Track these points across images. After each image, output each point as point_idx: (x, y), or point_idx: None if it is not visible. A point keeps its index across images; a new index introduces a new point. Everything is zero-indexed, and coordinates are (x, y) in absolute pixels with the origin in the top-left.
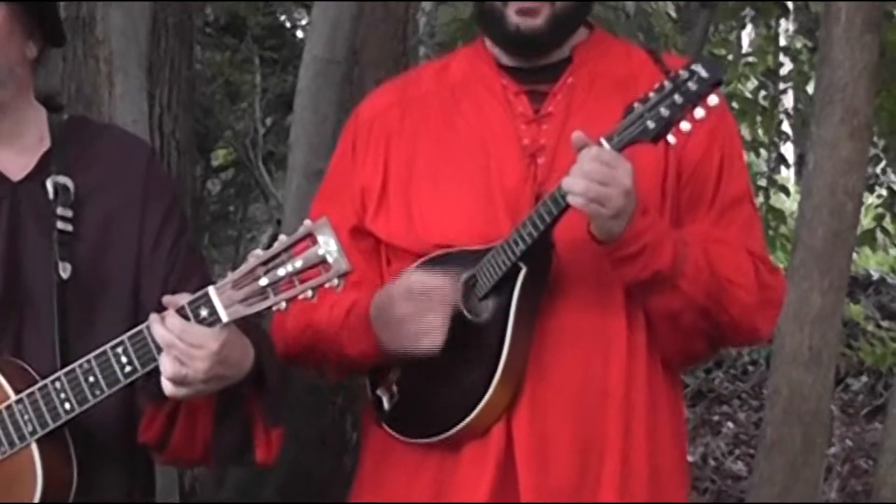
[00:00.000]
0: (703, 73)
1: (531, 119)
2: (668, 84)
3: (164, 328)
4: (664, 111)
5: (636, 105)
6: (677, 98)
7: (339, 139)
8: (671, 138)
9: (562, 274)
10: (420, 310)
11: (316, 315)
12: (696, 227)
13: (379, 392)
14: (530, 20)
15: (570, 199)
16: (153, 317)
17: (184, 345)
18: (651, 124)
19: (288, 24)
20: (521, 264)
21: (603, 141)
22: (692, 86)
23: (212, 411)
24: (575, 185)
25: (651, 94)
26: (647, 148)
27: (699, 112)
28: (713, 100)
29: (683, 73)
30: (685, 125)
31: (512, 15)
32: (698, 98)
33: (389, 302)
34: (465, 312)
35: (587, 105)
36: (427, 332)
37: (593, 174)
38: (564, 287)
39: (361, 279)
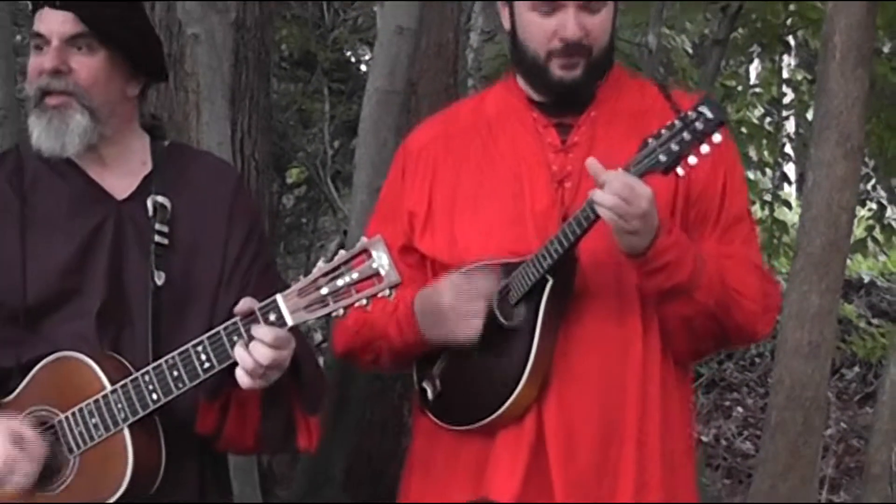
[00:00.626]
0: (709, 114)
1: (559, 149)
2: (678, 123)
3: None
4: (674, 147)
5: (650, 140)
6: (686, 135)
7: (391, 167)
8: (680, 171)
9: (585, 286)
10: (461, 302)
11: (368, 315)
12: (707, 243)
13: (424, 384)
14: (571, 73)
15: (599, 210)
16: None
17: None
18: (663, 157)
19: (353, 59)
20: (549, 276)
21: (621, 171)
22: (699, 125)
23: (258, 403)
24: (605, 199)
25: (663, 131)
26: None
27: (705, 148)
28: (717, 137)
29: (692, 114)
30: (692, 159)
31: (555, 69)
32: (704, 136)
33: (434, 293)
34: (500, 316)
35: (608, 136)
36: (466, 322)
37: (620, 192)
38: (587, 298)
39: (409, 282)
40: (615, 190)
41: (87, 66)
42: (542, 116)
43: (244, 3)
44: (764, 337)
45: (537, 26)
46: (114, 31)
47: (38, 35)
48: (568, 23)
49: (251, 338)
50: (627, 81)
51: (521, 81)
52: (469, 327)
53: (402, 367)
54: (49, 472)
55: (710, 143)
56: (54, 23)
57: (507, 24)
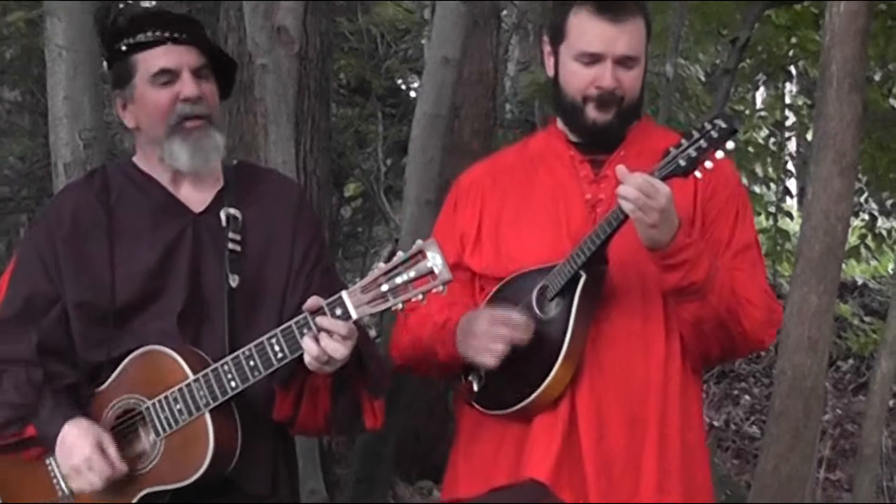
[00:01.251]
0: (723, 125)
1: (592, 180)
2: (696, 133)
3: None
4: (693, 153)
5: (671, 149)
6: (703, 143)
7: (445, 200)
8: (698, 174)
9: (614, 289)
10: (489, 335)
11: (422, 332)
12: (718, 262)
13: (470, 378)
14: (604, 115)
15: (621, 202)
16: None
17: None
18: (682, 162)
19: (403, 87)
20: (582, 272)
21: (646, 173)
22: (714, 134)
23: (328, 390)
24: (628, 192)
25: (683, 141)
26: (681, 196)
27: (719, 153)
28: (730, 144)
29: (707, 125)
30: (708, 164)
31: (590, 111)
32: (719, 143)
33: (472, 321)
34: (538, 311)
35: (634, 171)
36: (489, 352)
37: (642, 188)
38: (616, 298)
39: (456, 301)
40: (637, 185)
41: (211, 91)
42: (577, 153)
43: (306, 35)
44: (767, 346)
45: (578, 74)
46: (220, 61)
47: (166, 70)
48: (605, 74)
49: (319, 330)
50: (655, 129)
51: (560, 123)
52: (490, 356)
53: (449, 377)
54: (140, 455)
55: (724, 150)
56: (182, 56)
57: (550, 72)
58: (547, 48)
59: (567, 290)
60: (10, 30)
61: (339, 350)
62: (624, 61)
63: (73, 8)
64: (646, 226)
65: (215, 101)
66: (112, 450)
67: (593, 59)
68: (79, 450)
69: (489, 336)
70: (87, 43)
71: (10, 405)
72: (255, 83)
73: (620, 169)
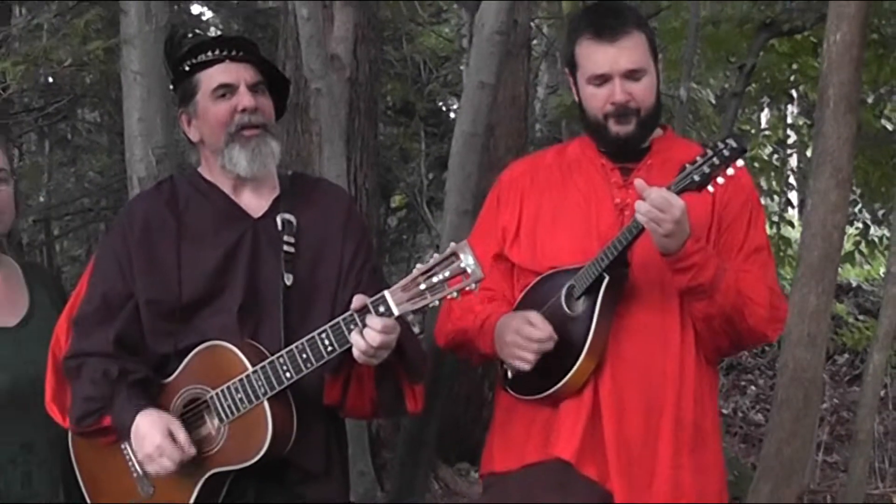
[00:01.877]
0: (734, 144)
1: (621, 185)
2: (709, 151)
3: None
4: (706, 169)
5: (687, 165)
6: (715, 160)
7: (488, 194)
8: (710, 188)
9: (634, 287)
10: (519, 344)
11: (464, 323)
12: (730, 263)
13: (505, 366)
14: (626, 128)
15: (638, 216)
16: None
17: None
18: (696, 178)
19: (444, 108)
20: (605, 274)
21: (665, 187)
22: (725, 152)
23: (373, 378)
24: (641, 207)
25: (697, 158)
26: (700, 204)
27: (730, 171)
28: (740, 162)
29: (720, 144)
30: (720, 179)
31: (612, 126)
32: (730, 161)
33: (506, 328)
34: (566, 308)
35: (659, 179)
36: (519, 358)
37: (656, 203)
38: (636, 297)
39: (496, 294)
40: (651, 200)
41: (267, 105)
42: (608, 162)
43: (357, 62)
44: (772, 340)
45: (595, 96)
46: (274, 78)
47: (225, 85)
48: (616, 90)
49: (364, 325)
50: (678, 140)
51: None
52: (521, 362)
53: (486, 362)
54: (206, 439)
55: (735, 167)
56: (240, 73)
57: (575, 96)
58: (569, 78)
59: (592, 290)
60: (90, 57)
61: (382, 343)
62: (630, 74)
63: (146, 37)
64: (659, 235)
65: (270, 113)
66: (182, 435)
67: (602, 79)
68: (151, 438)
69: (521, 342)
70: (158, 69)
71: (86, 398)
72: (311, 105)
73: (639, 182)
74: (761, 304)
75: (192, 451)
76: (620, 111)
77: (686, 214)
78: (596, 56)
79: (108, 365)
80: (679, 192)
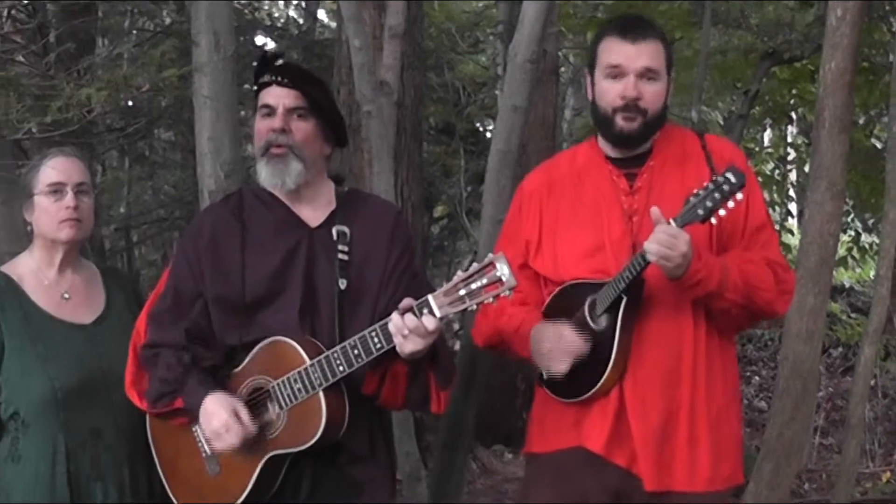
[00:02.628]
0: (733, 180)
1: (628, 192)
2: (711, 185)
3: (402, 321)
4: (709, 203)
5: (691, 198)
6: (717, 195)
7: (511, 202)
8: (713, 220)
9: (650, 299)
10: (553, 353)
11: (501, 323)
12: (734, 251)
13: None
14: (630, 124)
15: (648, 256)
16: (395, 314)
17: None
18: (700, 212)
19: (481, 128)
20: (623, 295)
21: (671, 220)
22: (726, 187)
23: (406, 377)
24: (651, 247)
25: (700, 192)
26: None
27: (730, 204)
28: (739, 196)
29: (721, 178)
30: (722, 212)
31: (619, 121)
32: (731, 195)
33: (540, 336)
34: (591, 323)
35: (661, 180)
36: (553, 365)
37: (663, 242)
38: (652, 307)
39: (528, 298)
40: (660, 241)
41: (303, 129)
42: (615, 169)
43: (403, 88)
44: (783, 313)
45: (608, 89)
46: (319, 105)
47: (267, 105)
48: (628, 85)
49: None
50: (674, 132)
51: (600, 141)
52: (556, 369)
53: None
54: (267, 424)
55: (735, 201)
56: (281, 97)
57: (589, 95)
58: (587, 78)
59: (612, 308)
60: (165, 83)
61: (425, 338)
62: (645, 73)
63: (215, 65)
64: (668, 270)
65: (305, 137)
66: (245, 415)
67: (617, 70)
68: (218, 416)
69: (556, 353)
70: (227, 94)
71: (162, 381)
72: (362, 126)
73: (654, 212)
74: (767, 288)
75: (253, 429)
76: (629, 106)
77: (691, 246)
78: (615, 49)
79: (180, 353)
80: (683, 225)
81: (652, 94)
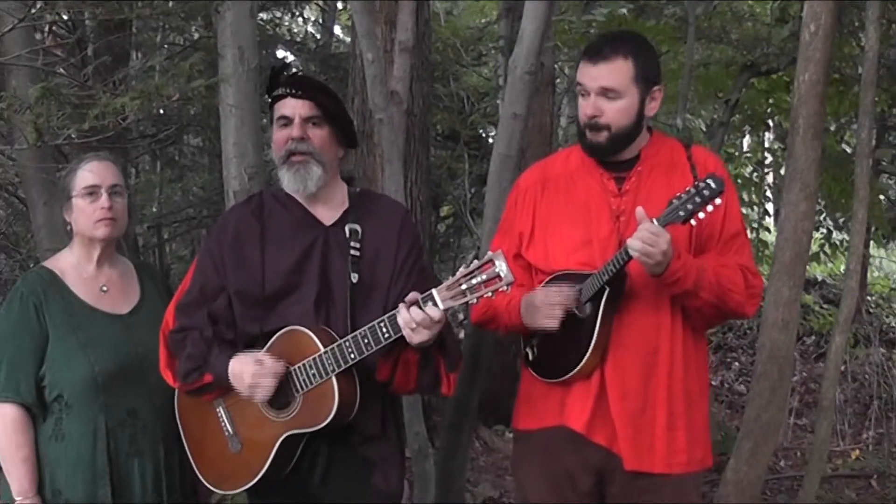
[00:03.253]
0: (714, 185)
1: (616, 194)
2: (692, 189)
3: (409, 314)
4: (689, 206)
5: (674, 200)
6: (697, 199)
7: (508, 197)
8: (693, 222)
9: (632, 291)
10: (545, 308)
11: (494, 302)
12: (710, 255)
13: (526, 349)
14: (596, 138)
15: (631, 252)
16: (402, 307)
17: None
18: (681, 213)
19: (483, 134)
20: (606, 286)
21: (654, 219)
22: (706, 192)
23: (416, 364)
24: (634, 245)
25: (683, 195)
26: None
27: (709, 208)
28: (718, 201)
29: (702, 184)
30: (701, 214)
31: (588, 134)
32: (710, 200)
33: (532, 295)
34: (575, 311)
35: (648, 184)
36: (546, 321)
37: (646, 239)
38: (634, 297)
39: (522, 282)
40: (643, 238)
41: (319, 135)
42: (605, 172)
43: (412, 97)
44: (752, 315)
45: (580, 106)
46: (332, 113)
47: (284, 116)
48: (589, 104)
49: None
50: (662, 141)
51: None
52: (549, 321)
53: (513, 335)
54: (284, 405)
55: (714, 205)
56: (297, 107)
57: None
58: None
59: (595, 298)
60: (194, 93)
61: (432, 328)
62: (604, 92)
63: (240, 77)
64: (649, 266)
65: (321, 143)
66: (267, 359)
67: (582, 89)
68: (246, 371)
69: (548, 306)
70: (250, 103)
71: (190, 357)
72: (375, 132)
73: (639, 211)
74: (738, 291)
75: (280, 366)
76: (590, 124)
77: (671, 245)
78: (582, 71)
79: (204, 332)
80: (665, 224)
81: (613, 111)
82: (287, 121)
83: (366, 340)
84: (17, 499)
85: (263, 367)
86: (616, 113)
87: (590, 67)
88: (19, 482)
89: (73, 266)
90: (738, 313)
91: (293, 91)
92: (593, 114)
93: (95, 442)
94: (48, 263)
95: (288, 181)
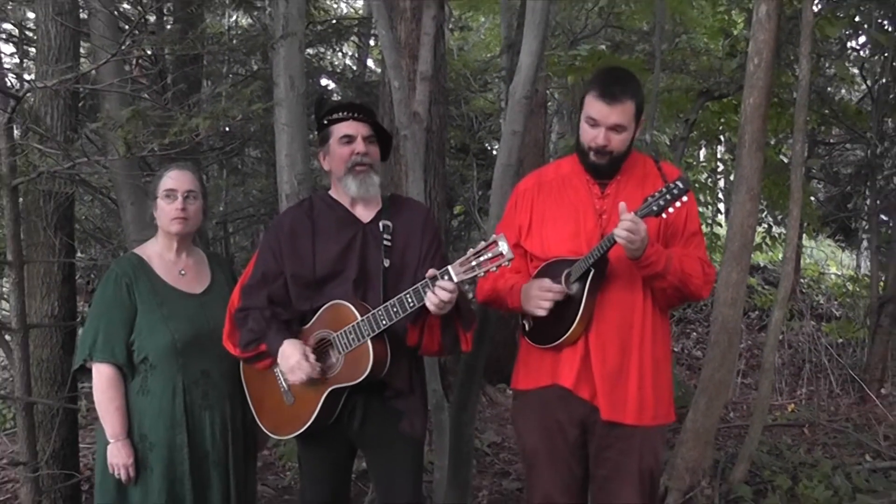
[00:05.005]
0: (681, 186)
1: (600, 196)
2: (664, 189)
3: (436, 295)
4: (661, 202)
5: (648, 198)
6: (668, 197)
7: (510, 198)
8: (664, 215)
9: (613, 273)
10: (538, 298)
11: (499, 285)
12: (676, 247)
13: (524, 322)
14: (600, 160)
15: (616, 238)
16: (424, 282)
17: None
18: (655, 208)
19: (489, 147)
20: (591, 268)
21: (633, 213)
22: (675, 191)
23: (439, 327)
24: (620, 232)
25: (657, 193)
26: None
27: (677, 204)
28: (684, 198)
29: (672, 185)
30: (671, 209)
31: (592, 156)
32: (678, 198)
33: (529, 288)
34: (565, 287)
35: (625, 191)
36: (539, 307)
37: (629, 228)
38: (614, 279)
39: (520, 269)
40: (626, 227)
41: (374, 151)
42: (591, 179)
43: (431, 117)
44: (706, 297)
45: (587, 132)
46: (380, 133)
47: (347, 135)
48: (600, 136)
49: (435, 287)
50: (636, 156)
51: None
52: (539, 310)
53: (512, 314)
54: (328, 366)
55: (681, 202)
56: (357, 128)
57: (575, 131)
58: (578, 114)
59: (582, 278)
60: (254, 114)
61: (447, 299)
62: (614, 128)
63: (291, 101)
64: (630, 251)
65: (377, 157)
66: (311, 357)
67: (594, 122)
68: (293, 356)
69: (539, 298)
70: (299, 122)
71: (250, 331)
72: (400, 146)
73: (622, 206)
74: (697, 276)
75: (317, 368)
76: (598, 150)
77: (647, 234)
78: (596, 106)
79: (264, 311)
80: (642, 216)
81: (618, 142)
82: (350, 139)
83: (395, 309)
84: (110, 440)
85: (307, 363)
86: (620, 143)
87: (604, 106)
88: (112, 427)
89: (158, 253)
90: (696, 296)
91: (356, 115)
92: (604, 144)
93: (174, 396)
94: (137, 250)
95: (355, 187)
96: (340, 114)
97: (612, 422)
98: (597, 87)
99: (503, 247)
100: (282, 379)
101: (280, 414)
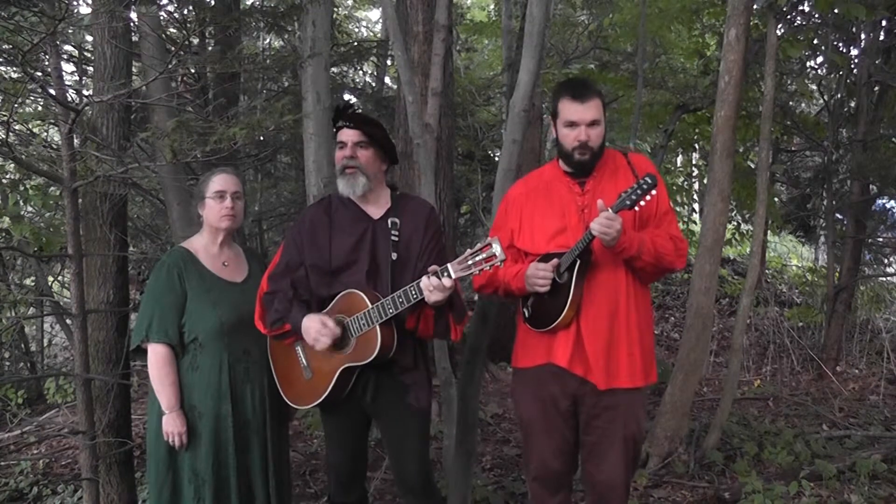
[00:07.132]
0: (650, 181)
1: (580, 194)
2: (636, 185)
3: (430, 281)
4: (634, 197)
5: (622, 194)
6: (639, 192)
7: (501, 203)
8: (637, 208)
9: (597, 261)
10: (538, 276)
11: (500, 273)
12: (649, 229)
13: (523, 308)
14: (583, 156)
15: (594, 232)
16: (424, 277)
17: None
18: (628, 202)
19: (491, 154)
20: (577, 259)
21: (609, 208)
22: (645, 186)
23: (433, 316)
24: (595, 227)
25: (629, 189)
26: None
27: (648, 197)
28: (654, 192)
29: (642, 181)
30: (642, 202)
31: (576, 155)
32: (648, 191)
33: (532, 269)
34: (556, 277)
35: (601, 185)
36: (539, 285)
37: (603, 224)
38: (598, 266)
39: (516, 260)
40: (601, 223)
41: (366, 155)
42: (571, 179)
43: (441, 128)
44: (681, 268)
45: (568, 136)
46: (376, 139)
47: (341, 142)
48: (581, 133)
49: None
50: (608, 152)
51: (560, 163)
52: (539, 287)
53: (512, 298)
54: (342, 346)
55: (651, 195)
56: (350, 135)
57: (554, 134)
58: (553, 122)
59: (570, 268)
60: (285, 125)
61: (444, 292)
62: (591, 124)
63: (318, 113)
64: (606, 241)
65: (367, 160)
66: (330, 322)
67: (572, 124)
68: (314, 327)
69: (536, 276)
70: (325, 132)
71: (276, 311)
72: (413, 153)
73: (599, 202)
74: (670, 253)
75: (338, 330)
76: (582, 147)
77: (622, 226)
78: (570, 110)
79: (287, 293)
80: (617, 211)
81: (595, 136)
82: (343, 144)
83: (400, 299)
84: (165, 411)
85: (326, 328)
86: (597, 137)
87: (578, 106)
88: (168, 400)
89: (203, 247)
90: (672, 268)
91: (347, 123)
92: (586, 140)
93: (220, 372)
94: (185, 245)
95: (342, 187)
96: (339, 122)
97: (606, 390)
98: (567, 92)
99: (496, 249)
100: (301, 356)
101: (300, 387)
